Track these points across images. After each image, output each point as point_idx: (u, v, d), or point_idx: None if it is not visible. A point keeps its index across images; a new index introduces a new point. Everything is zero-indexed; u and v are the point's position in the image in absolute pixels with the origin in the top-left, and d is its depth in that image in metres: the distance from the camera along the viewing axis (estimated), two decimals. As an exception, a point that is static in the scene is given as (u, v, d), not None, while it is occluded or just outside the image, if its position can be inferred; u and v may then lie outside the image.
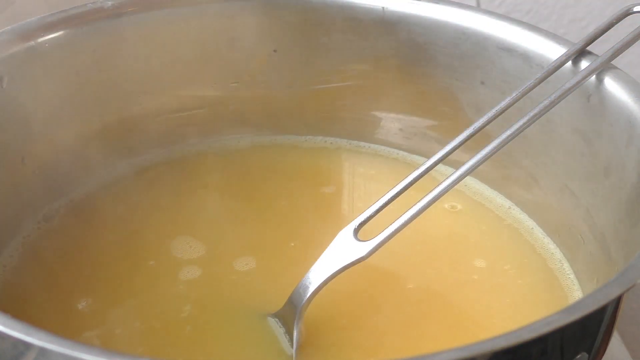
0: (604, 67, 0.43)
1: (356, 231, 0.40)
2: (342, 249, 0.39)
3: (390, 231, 0.38)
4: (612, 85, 0.42)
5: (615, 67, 0.43)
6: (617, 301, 0.33)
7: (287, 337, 0.40)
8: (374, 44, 0.51)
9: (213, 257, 0.46)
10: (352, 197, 0.52)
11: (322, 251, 0.40)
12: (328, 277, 0.39)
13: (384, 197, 0.40)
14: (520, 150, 0.48)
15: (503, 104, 0.42)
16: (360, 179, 0.54)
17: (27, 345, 0.28)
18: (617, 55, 0.43)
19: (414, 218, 0.39)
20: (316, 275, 0.39)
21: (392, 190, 0.41)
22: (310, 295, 0.39)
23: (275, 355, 0.40)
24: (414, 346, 0.41)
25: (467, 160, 0.39)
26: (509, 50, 0.47)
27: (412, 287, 0.44)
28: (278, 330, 0.41)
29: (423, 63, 0.51)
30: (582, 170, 0.45)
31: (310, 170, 0.53)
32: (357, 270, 0.44)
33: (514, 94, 0.43)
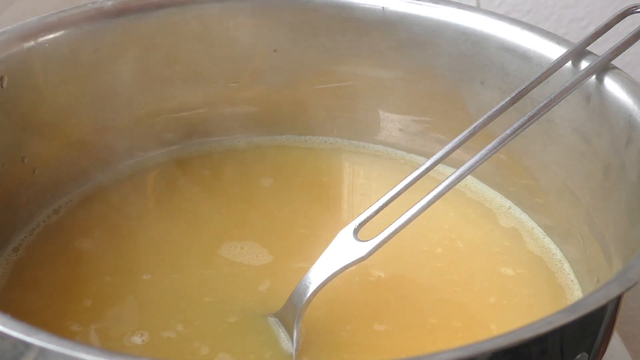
0: (604, 67, 0.43)
1: (356, 231, 0.39)
2: (342, 249, 0.39)
3: (390, 231, 0.38)
4: (612, 85, 0.42)
5: (615, 67, 0.43)
6: (617, 301, 0.33)
7: (287, 337, 0.40)
8: (374, 44, 0.51)
9: (212, 257, 0.46)
10: (352, 197, 0.52)
11: (321, 251, 0.40)
12: (328, 277, 0.39)
13: (384, 197, 0.40)
14: (520, 150, 0.48)
15: (503, 104, 0.42)
16: (360, 179, 0.54)
17: (27, 345, 0.28)
18: (617, 55, 0.43)
19: (414, 218, 0.39)
20: (316, 275, 0.39)
21: (392, 190, 0.41)
22: (310, 295, 0.39)
23: (275, 355, 0.40)
24: (413, 346, 0.41)
25: (467, 160, 0.39)
26: (509, 50, 0.47)
27: (412, 287, 0.44)
28: (278, 330, 0.41)
29: (423, 63, 0.51)
30: (582, 170, 0.45)
31: (310, 171, 0.53)
32: (357, 271, 0.44)
33: (513, 94, 0.43)
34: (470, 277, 0.45)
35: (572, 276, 0.45)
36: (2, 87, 0.44)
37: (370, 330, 0.41)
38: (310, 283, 0.39)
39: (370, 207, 0.40)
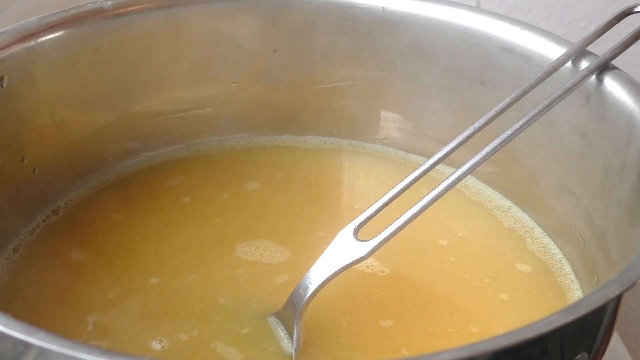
0: (604, 67, 0.43)
1: (356, 231, 0.39)
2: (342, 249, 0.39)
3: (390, 231, 0.38)
4: (612, 85, 0.42)
5: (615, 67, 0.43)
6: (617, 301, 0.33)
7: (288, 337, 0.40)
8: (374, 44, 0.51)
9: (213, 256, 0.46)
10: (352, 197, 0.52)
11: (321, 252, 0.40)
12: (328, 277, 0.39)
13: (384, 197, 0.40)
14: (520, 150, 0.48)
15: (503, 104, 0.42)
16: (360, 179, 0.54)
17: (27, 345, 0.28)
18: (617, 55, 0.43)
19: (414, 218, 0.39)
20: (316, 276, 0.39)
21: (392, 190, 0.41)
22: (310, 295, 0.39)
23: (275, 355, 0.40)
24: (414, 346, 0.41)
25: (467, 160, 0.39)
26: (509, 50, 0.47)
27: (412, 287, 0.44)
28: (278, 330, 0.41)
29: (423, 63, 0.51)
30: (582, 170, 0.45)
31: (310, 170, 0.53)
32: (358, 271, 0.44)
33: (514, 94, 0.43)
34: (469, 278, 0.45)
35: (572, 276, 0.45)
36: (2, 87, 0.44)
37: (371, 330, 0.41)
38: (310, 283, 0.39)
39: (370, 207, 0.40)
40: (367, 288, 0.44)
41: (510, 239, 0.48)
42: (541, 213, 0.49)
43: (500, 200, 0.51)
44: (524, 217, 0.49)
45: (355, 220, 0.40)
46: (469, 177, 0.50)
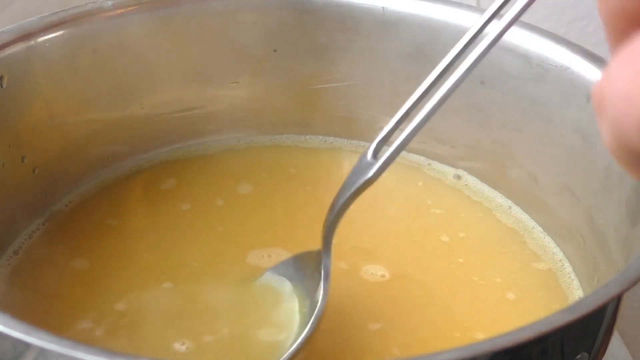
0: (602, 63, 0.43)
1: (375, 151, 0.36)
2: (356, 173, 0.36)
3: (395, 146, 0.35)
4: (612, 85, 0.42)
5: (615, 67, 0.43)
6: (617, 301, 0.33)
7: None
8: (374, 44, 0.51)
9: (214, 256, 0.46)
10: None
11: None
12: (344, 201, 0.36)
13: (402, 108, 0.37)
14: (520, 150, 0.48)
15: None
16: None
17: (27, 345, 0.28)
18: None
19: (425, 122, 0.35)
20: (337, 200, 0.37)
21: (412, 96, 0.37)
22: (332, 222, 0.37)
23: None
24: (413, 346, 0.41)
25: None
26: (509, 50, 0.47)
27: (412, 287, 0.44)
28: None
29: (423, 63, 0.51)
30: (582, 170, 0.45)
31: (310, 170, 0.53)
32: (358, 272, 0.44)
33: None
34: (470, 278, 0.45)
35: (572, 276, 0.45)
36: (2, 87, 0.44)
37: (371, 331, 0.41)
38: (333, 208, 0.37)
39: (388, 124, 0.37)
40: (365, 289, 0.44)
41: (511, 238, 0.48)
42: (541, 213, 0.49)
43: (500, 200, 0.51)
44: (524, 217, 0.49)
45: (374, 141, 0.37)
46: (469, 176, 0.50)
